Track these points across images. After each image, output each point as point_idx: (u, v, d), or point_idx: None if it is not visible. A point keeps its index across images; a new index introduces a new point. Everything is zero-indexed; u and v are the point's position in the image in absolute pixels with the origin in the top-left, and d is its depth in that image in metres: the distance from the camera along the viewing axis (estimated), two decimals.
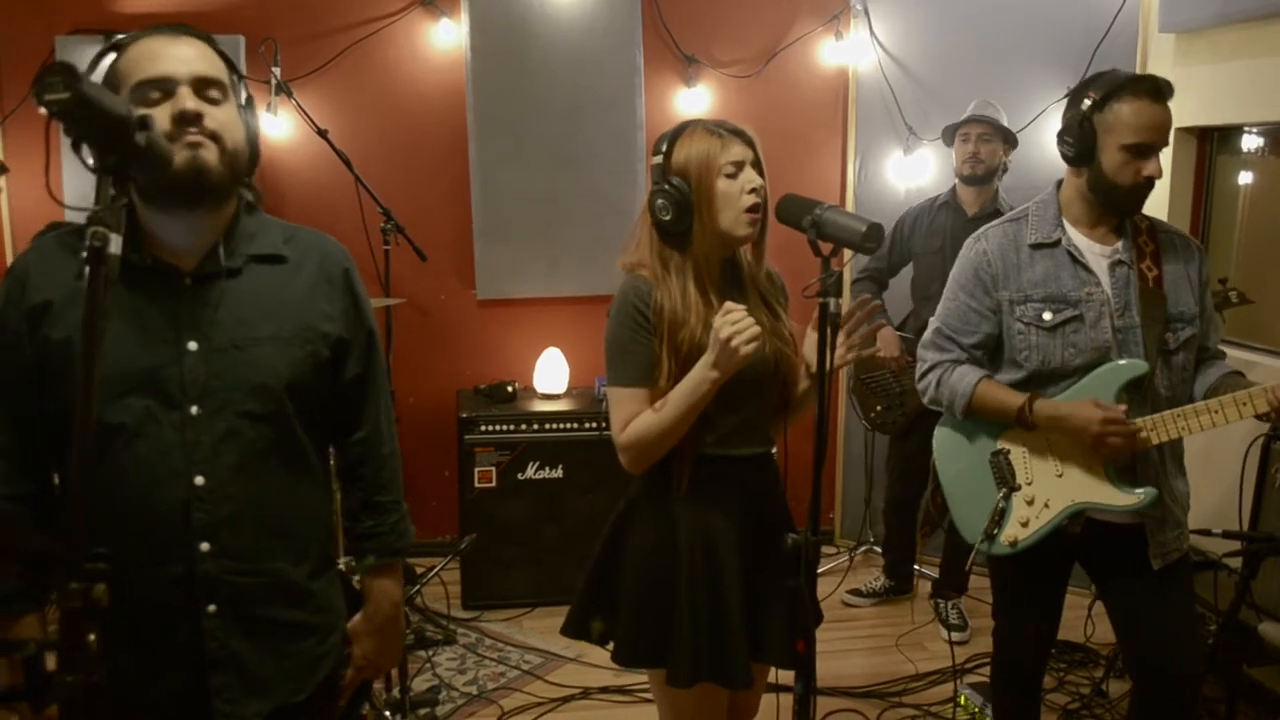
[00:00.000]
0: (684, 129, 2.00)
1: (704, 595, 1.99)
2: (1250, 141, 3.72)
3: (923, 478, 3.95)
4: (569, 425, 4.01)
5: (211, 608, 1.49)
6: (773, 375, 2.05)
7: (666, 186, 1.95)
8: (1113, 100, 2.18)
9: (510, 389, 4.18)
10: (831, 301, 1.74)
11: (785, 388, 2.11)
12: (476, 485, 3.94)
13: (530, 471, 3.98)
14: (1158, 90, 2.18)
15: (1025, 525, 2.31)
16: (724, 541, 2.00)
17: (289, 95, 3.59)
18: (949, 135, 3.88)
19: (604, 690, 3.42)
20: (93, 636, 1.11)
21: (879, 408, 4.04)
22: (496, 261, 4.30)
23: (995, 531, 2.33)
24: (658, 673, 2.05)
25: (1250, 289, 3.56)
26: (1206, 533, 2.67)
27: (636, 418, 1.95)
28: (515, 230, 4.29)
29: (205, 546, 1.48)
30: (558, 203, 4.29)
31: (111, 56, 1.48)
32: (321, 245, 1.67)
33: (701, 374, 1.86)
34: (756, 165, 1.98)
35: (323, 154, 3.63)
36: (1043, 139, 4.08)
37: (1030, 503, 2.30)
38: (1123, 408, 2.15)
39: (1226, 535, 2.66)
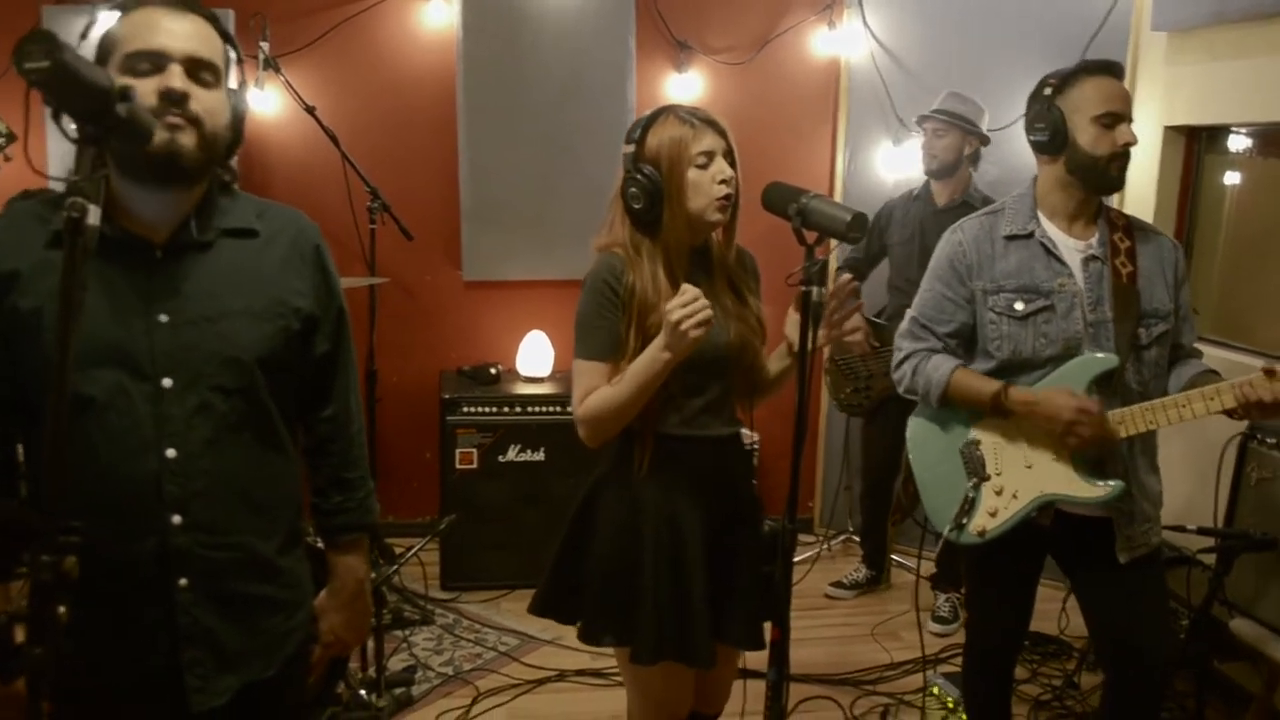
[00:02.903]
0: (656, 117, 2.01)
1: (667, 574, 2.02)
2: (1237, 142, 3.73)
3: (892, 462, 4.02)
4: (551, 409, 4.02)
5: (183, 581, 1.50)
6: (738, 358, 2.07)
7: (638, 175, 1.97)
8: (1072, 82, 2.25)
9: (493, 371, 4.18)
10: (814, 290, 1.75)
11: (752, 370, 2.12)
12: (458, 467, 3.95)
13: (512, 454, 3.99)
14: (1112, 67, 2.27)
15: (994, 515, 2.33)
16: (688, 522, 2.03)
17: (277, 71, 3.58)
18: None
19: (579, 673, 3.43)
20: (63, 609, 1.12)
21: (848, 390, 4.06)
22: (483, 243, 4.30)
23: (964, 521, 2.35)
24: (623, 650, 2.08)
25: (1234, 289, 3.58)
26: (1181, 529, 2.69)
27: (595, 391, 1.97)
28: (503, 212, 4.28)
29: (177, 519, 1.48)
30: (546, 186, 4.29)
31: (112, 18, 1.47)
32: (294, 221, 1.67)
33: (654, 354, 1.88)
34: (728, 156, 2.00)
35: (310, 131, 3.62)
36: None
37: (999, 493, 2.32)
38: (1098, 399, 2.17)
39: (1201, 531, 2.69)
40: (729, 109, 1.91)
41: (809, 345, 1.79)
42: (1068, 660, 3.56)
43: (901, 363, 2.42)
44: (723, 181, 1.96)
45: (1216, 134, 3.64)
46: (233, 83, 1.55)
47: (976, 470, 2.33)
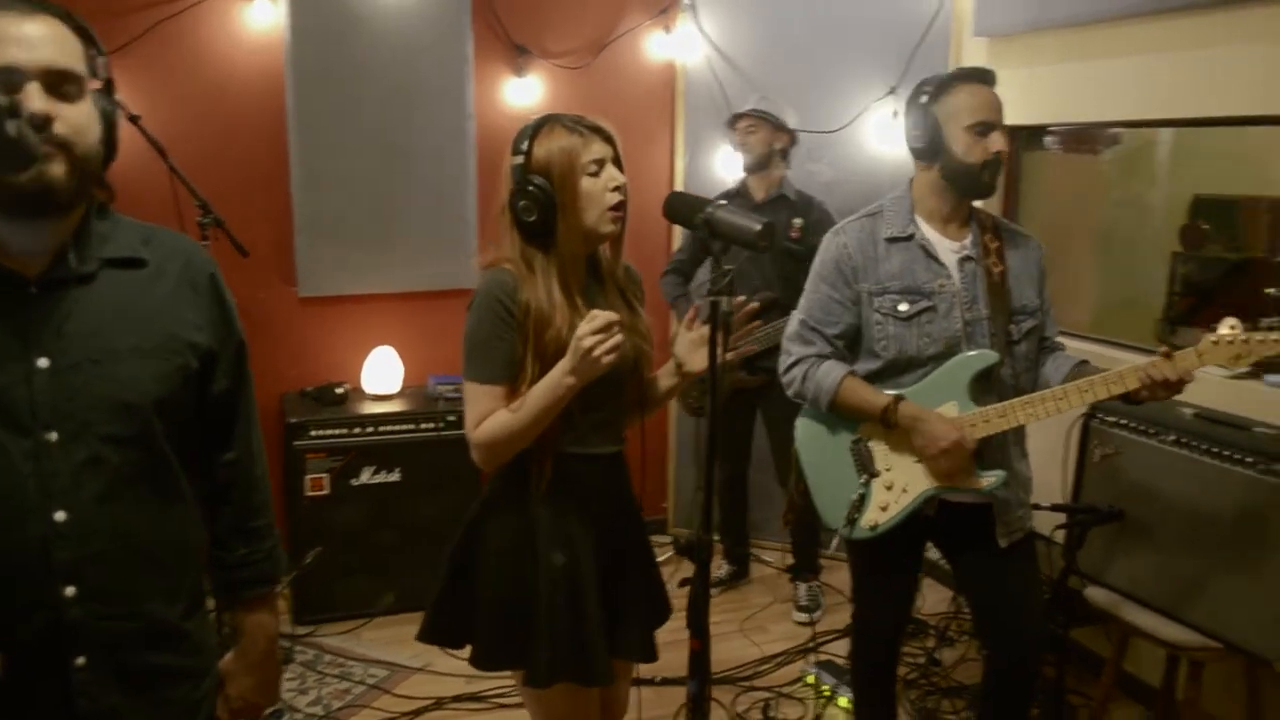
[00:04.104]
0: (542, 126, 1.96)
1: (562, 596, 1.99)
2: (1051, 140, 4.01)
3: (744, 457, 4.10)
4: (405, 427, 3.87)
5: (80, 660, 1.33)
6: (632, 373, 2.05)
7: (529, 187, 1.91)
8: (947, 90, 2.33)
9: (339, 391, 3.98)
10: (723, 300, 1.74)
11: (642, 385, 2.12)
12: (308, 494, 3.74)
13: (365, 476, 3.81)
14: (985, 75, 2.36)
15: (885, 510, 2.40)
16: (582, 541, 2.01)
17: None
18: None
19: (457, 699, 3.32)
20: None
21: (695, 392, 4.11)
22: (320, 257, 4.08)
23: (856, 516, 2.40)
24: (521, 674, 2.04)
25: (1050, 278, 3.83)
26: (1037, 507, 2.85)
27: (491, 415, 1.91)
28: (340, 224, 4.07)
29: (70, 591, 1.32)
30: (385, 195, 4.11)
31: None
32: (184, 248, 1.52)
33: (558, 379, 1.84)
34: (617, 162, 1.98)
35: (128, 140, 3.32)
36: (865, 136, 4.25)
37: (889, 488, 2.39)
38: (974, 445, 2.28)
39: (1054, 508, 2.85)
40: (569, 113, 1.90)
41: (719, 354, 1.79)
42: (926, 638, 3.72)
43: (791, 367, 2.45)
44: (616, 189, 1.93)
45: (1035, 133, 3.89)
46: (98, 84, 1.38)
47: (867, 467, 2.39)
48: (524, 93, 4.24)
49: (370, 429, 3.83)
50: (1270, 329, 2.15)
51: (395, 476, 3.85)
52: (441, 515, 3.88)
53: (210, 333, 1.49)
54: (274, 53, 3.87)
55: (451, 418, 3.89)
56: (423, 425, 3.89)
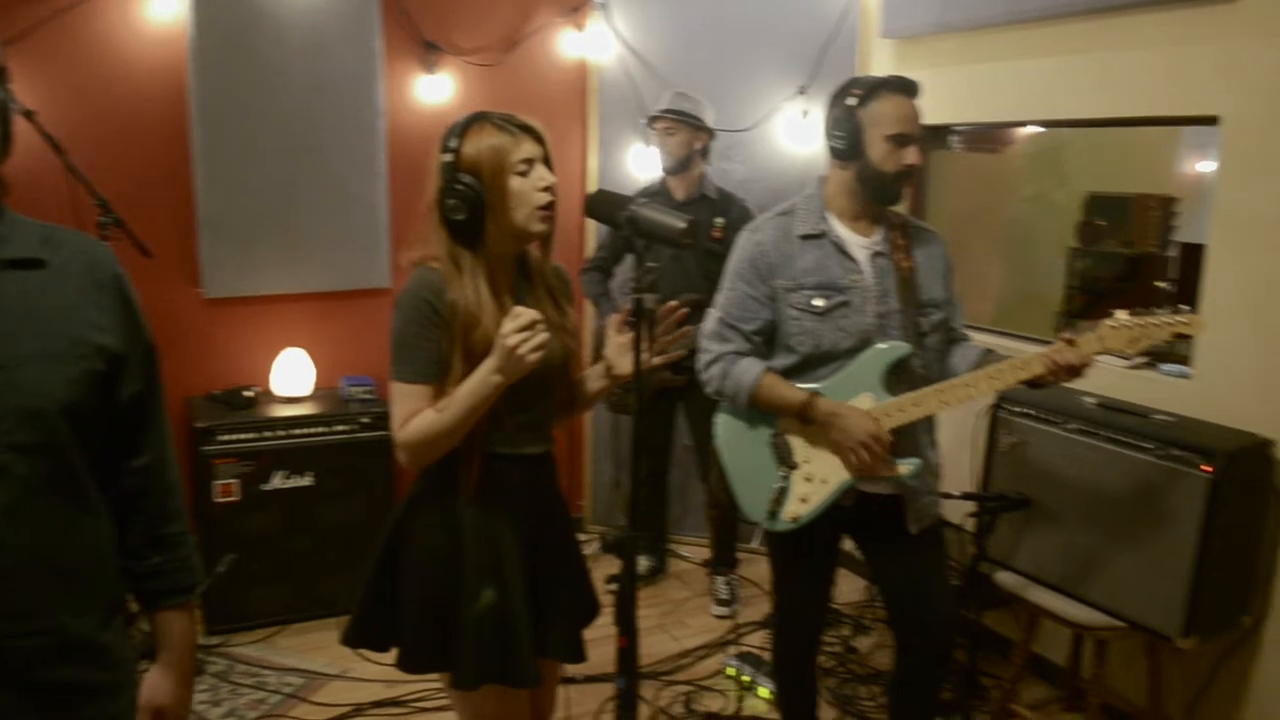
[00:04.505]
0: (472, 123, 1.94)
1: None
2: (955, 139, 4.12)
3: (665, 453, 4.13)
4: (317, 429, 3.79)
5: None
6: (560, 373, 2.05)
7: (458, 185, 1.88)
8: (875, 96, 2.37)
9: (248, 394, 3.88)
10: (647, 297, 1.76)
11: (571, 385, 2.12)
12: (217, 500, 3.63)
13: (277, 481, 3.72)
14: (911, 87, 2.40)
15: (805, 501, 2.44)
16: (508, 541, 2.00)
17: None
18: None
19: (377, 705, 3.27)
20: None
21: (618, 390, 4.12)
22: (225, 257, 3.96)
23: (777, 509, 2.44)
24: (448, 676, 2.02)
25: (955, 273, 3.94)
26: (948, 496, 2.93)
27: (418, 415, 1.89)
28: (246, 223, 3.96)
29: None
30: (293, 194, 4.02)
31: None
32: (87, 247, 1.46)
33: (485, 377, 1.83)
34: (547, 161, 1.97)
35: (23, 137, 3.19)
36: (775, 133, 4.31)
37: (809, 480, 2.43)
38: (890, 436, 2.33)
39: (965, 497, 2.94)
40: (498, 110, 1.88)
41: (642, 351, 1.81)
42: (842, 627, 3.80)
43: (710, 364, 2.47)
44: (545, 189, 1.92)
45: (939, 132, 4.00)
46: None
47: (786, 460, 2.43)
48: (435, 90, 4.19)
49: (281, 432, 3.74)
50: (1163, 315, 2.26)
51: (308, 481, 3.77)
52: (356, 519, 3.84)
53: (118, 335, 1.44)
54: (176, 46, 3.75)
55: (365, 419, 3.83)
56: (335, 428, 3.82)
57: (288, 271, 4.08)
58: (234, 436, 3.66)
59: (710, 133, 3.90)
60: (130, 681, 1.49)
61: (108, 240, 3.15)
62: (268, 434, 3.72)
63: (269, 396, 3.99)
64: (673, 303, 1.97)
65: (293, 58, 3.92)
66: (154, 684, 1.53)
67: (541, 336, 1.78)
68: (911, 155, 2.35)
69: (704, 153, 3.91)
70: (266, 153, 3.94)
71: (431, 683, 3.23)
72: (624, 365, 2.02)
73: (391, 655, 2.06)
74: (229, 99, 3.84)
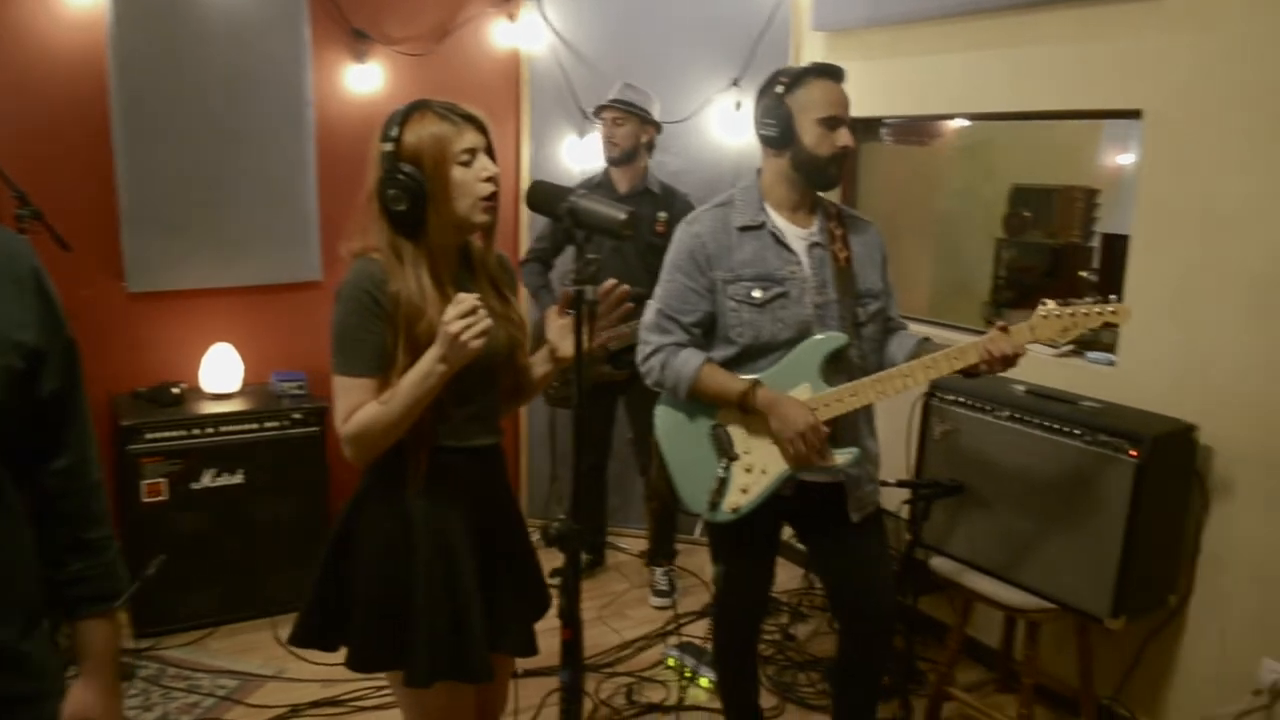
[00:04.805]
0: (413, 112, 1.90)
1: (441, 593, 1.95)
2: (885, 132, 4.17)
3: (604, 446, 4.13)
4: (248, 426, 3.71)
5: None
6: (506, 362, 2.03)
7: (399, 175, 1.85)
8: (801, 83, 2.39)
9: (175, 391, 3.78)
10: (588, 289, 1.75)
11: (519, 373, 2.10)
12: (144, 500, 3.53)
13: (207, 479, 3.63)
14: (837, 72, 2.44)
15: (745, 492, 2.45)
16: (459, 536, 1.98)
17: None
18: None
19: (314, 705, 3.21)
20: None
21: (556, 384, 4.10)
22: (149, 250, 3.85)
23: (718, 500, 2.44)
24: (398, 675, 1.98)
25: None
26: (884, 483, 2.97)
27: (362, 408, 1.86)
28: (170, 215, 3.85)
29: None
30: (219, 185, 3.92)
31: None
32: (3, 241, 1.40)
33: (429, 367, 1.81)
34: (489, 151, 1.94)
35: None
36: (708, 125, 4.32)
37: (749, 470, 2.44)
38: (826, 428, 2.35)
39: (900, 484, 2.98)
40: (411, 101, 1.86)
41: (583, 343, 1.80)
42: (780, 615, 3.83)
43: (650, 356, 2.47)
44: (488, 179, 1.89)
45: (870, 124, 4.04)
46: None
47: (726, 451, 2.43)
48: (365, 79, 4.12)
49: (210, 430, 3.65)
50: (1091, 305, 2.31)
51: (238, 479, 3.69)
52: (288, 517, 3.77)
53: (36, 330, 1.38)
54: (95, 33, 3.63)
55: (296, 415, 3.76)
56: (266, 424, 3.74)
57: (215, 264, 3.98)
58: (161, 434, 3.56)
59: (657, 126, 3.90)
60: (57, 690, 1.44)
61: (25, 233, 3.05)
62: (196, 431, 3.63)
63: (197, 393, 3.89)
64: (611, 280, 1.96)
65: (217, 45, 3.82)
66: (77, 698, 1.48)
67: (485, 323, 1.77)
68: (844, 137, 2.38)
69: (649, 146, 3.90)
70: (191, 143, 3.84)
71: (370, 682, 3.18)
72: (567, 348, 2.01)
73: (330, 655, 2.03)
74: (151, 88, 3.73)
